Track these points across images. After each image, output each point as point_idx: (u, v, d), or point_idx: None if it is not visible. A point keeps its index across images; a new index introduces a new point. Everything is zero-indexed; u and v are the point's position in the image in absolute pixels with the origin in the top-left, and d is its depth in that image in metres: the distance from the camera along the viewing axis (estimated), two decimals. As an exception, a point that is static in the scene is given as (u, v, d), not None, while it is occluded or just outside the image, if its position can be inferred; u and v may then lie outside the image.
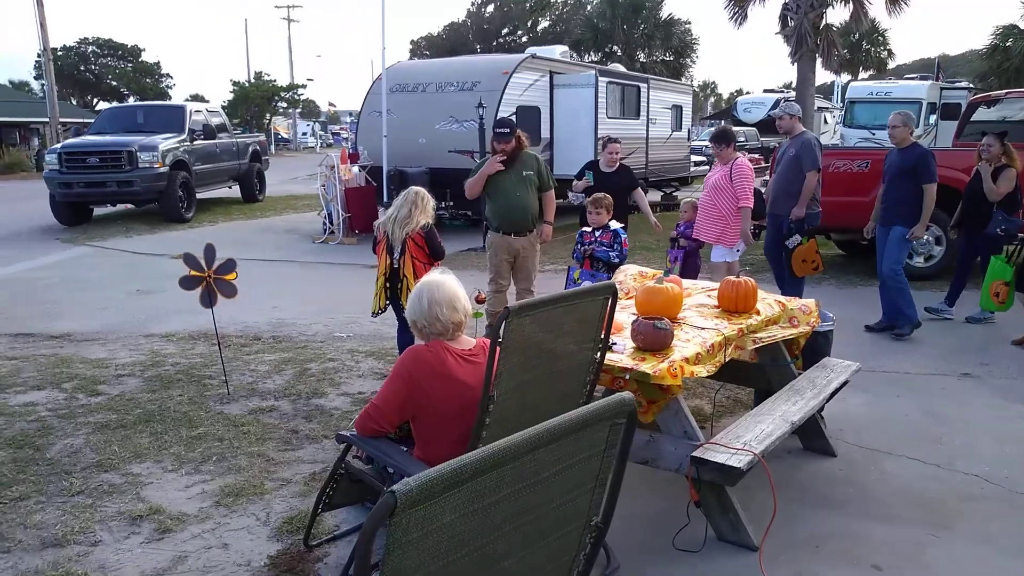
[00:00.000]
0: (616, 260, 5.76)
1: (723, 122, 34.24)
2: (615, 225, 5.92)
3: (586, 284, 4.65)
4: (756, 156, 20.47)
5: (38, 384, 5.44)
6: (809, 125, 18.76)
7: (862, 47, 42.45)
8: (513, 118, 12.84)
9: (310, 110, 65.41)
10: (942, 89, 22.04)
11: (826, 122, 28.69)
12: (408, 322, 2.95)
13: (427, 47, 53.20)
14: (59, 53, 45.91)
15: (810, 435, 4.27)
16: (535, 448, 1.45)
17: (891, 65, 46.07)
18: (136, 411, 4.91)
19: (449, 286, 2.85)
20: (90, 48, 54.33)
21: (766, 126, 28.11)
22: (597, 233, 5.91)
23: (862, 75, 42.49)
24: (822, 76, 36.02)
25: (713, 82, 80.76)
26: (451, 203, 12.41)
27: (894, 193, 6.58)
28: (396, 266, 5.00)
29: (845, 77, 38.98)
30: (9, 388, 5.34)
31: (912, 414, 4.93)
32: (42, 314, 7.82)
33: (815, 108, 21.77)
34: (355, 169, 13.10)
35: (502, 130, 5.96)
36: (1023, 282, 6.44)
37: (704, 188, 7.03)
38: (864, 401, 5.10)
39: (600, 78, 14.39)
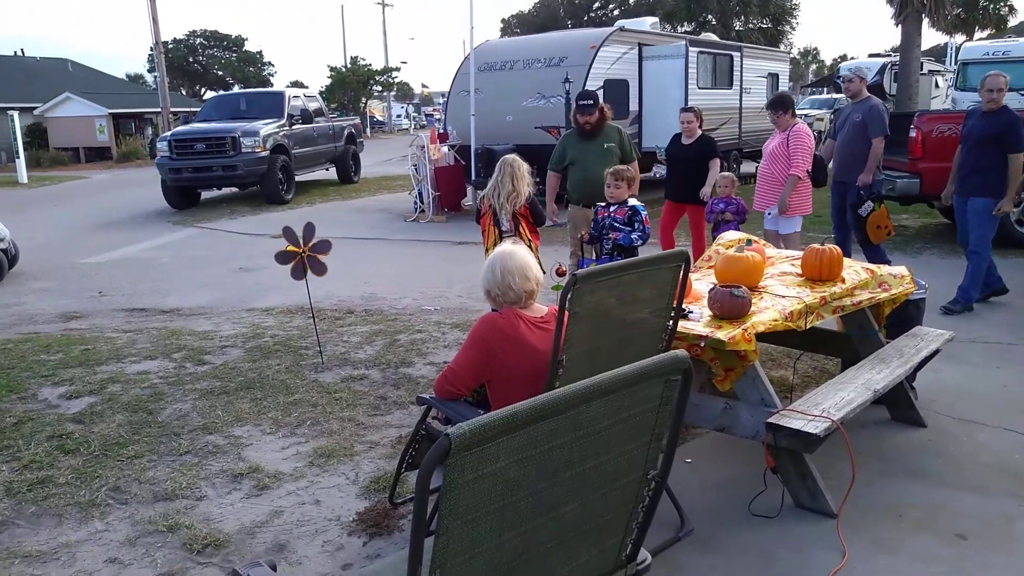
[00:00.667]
0: (639, 242, 5.22)
1: (824, 90, 32.91)
2: (633, 201, 5.33)
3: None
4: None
5: (150, 354, 5.84)
6: (916, 89, 17.82)
7: (979, 4, 39.83)
8: (600, 92, 12.79)
9: (404, 92, 66.53)
10: (1071, 46, 20.43)
11: (937, 86, 27.08)
12: (483, 291, 3.04)
13: (518, 25, 53.10)
14: (169, 46, 48.15)
15: (898, 405, 4.16)
16: (588, 399, 1.51)
17: (1013, 22, 43.02)
18: (238, 379, 5.22)
19: (521, 256, 2.92)
20: (198, 40, 56.84)
21: (871, 92, 26.83)
22: (612, 209, 5.29)
23: (979, 35, 39.91)
24: (933, 38, 34.14)
25: (815, 48, 77.86)
26: (537, 178, 12.46)
27: (972, 160, 6.15)
28: (505, 238, 5.12)
29: (960, 38, 36.71)
30: (125, 358, 5.76)
31: (1011, 385, 4.71)
32: (154, 291, 8.36)
33: (923, 71, 20.64)
34: (444, 148, 13.32)
35: (585, 102, 5.99)
36: None
37: (763, 157, 6.81)
38: (960, 372, 4.90)
39: (690, 48, 14.09)
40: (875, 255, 6.63)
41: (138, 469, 3.96)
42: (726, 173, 6.91)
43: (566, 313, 2.67)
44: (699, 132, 7.15)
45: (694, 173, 6.93)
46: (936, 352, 4.10)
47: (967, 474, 3.64)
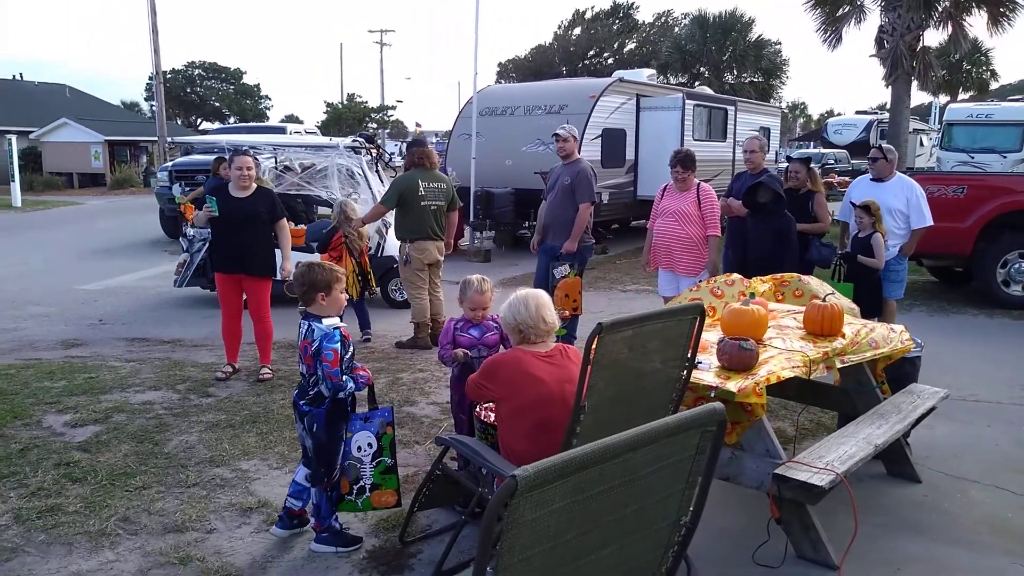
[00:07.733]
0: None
1: (812, 144, 33.57)
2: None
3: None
4: (846, 179, 20.04)
5: (155, 385, 5.88)
6: (904, 147, 18.26)
7: (962, 67, 40.90)
8: (598, 140, 13.06)
9: (398, 130, 67.12)
10: (1049, 111, 21.07)
11: (922, 144, 27.78)
12: (509, 324, 3.24)
13: (513, 70, 53.95)
14: (168, 76, 48.50)
15: (895, 460, 4.27)
16: (634, 448, 1.61)
17: (994, 86, 44.22)
18: (243, 412, 5.27)
19: (546, 297, 3.25)
20: (196, 71, 57.31)
21: (857, 148, 27.52)
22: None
23: (962, 96, 40.97)
24: (918, 97, 35.06)
25: (803, 103, 79.49)
26: (535, 223, 12.68)
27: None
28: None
29: (944, 98, 37.68)
30: (129, 387, 5.80)
31: (1002, 443, 4.84)
32: (154, 320, 8.40)
33: (910, 130, 21.18)
34: (444, 189, 13.50)
35: None
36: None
37: (662, 215, 6.34)
38: (952, 429, 5.03)
39: (687, 101, 14.45)
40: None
41: (147, 500, 3.99)
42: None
43: (590, 361, 2.78)
44: (252, 186, 5.98)
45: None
46: (932, 409, 4.22)
47: (962, 530, 3.74)
